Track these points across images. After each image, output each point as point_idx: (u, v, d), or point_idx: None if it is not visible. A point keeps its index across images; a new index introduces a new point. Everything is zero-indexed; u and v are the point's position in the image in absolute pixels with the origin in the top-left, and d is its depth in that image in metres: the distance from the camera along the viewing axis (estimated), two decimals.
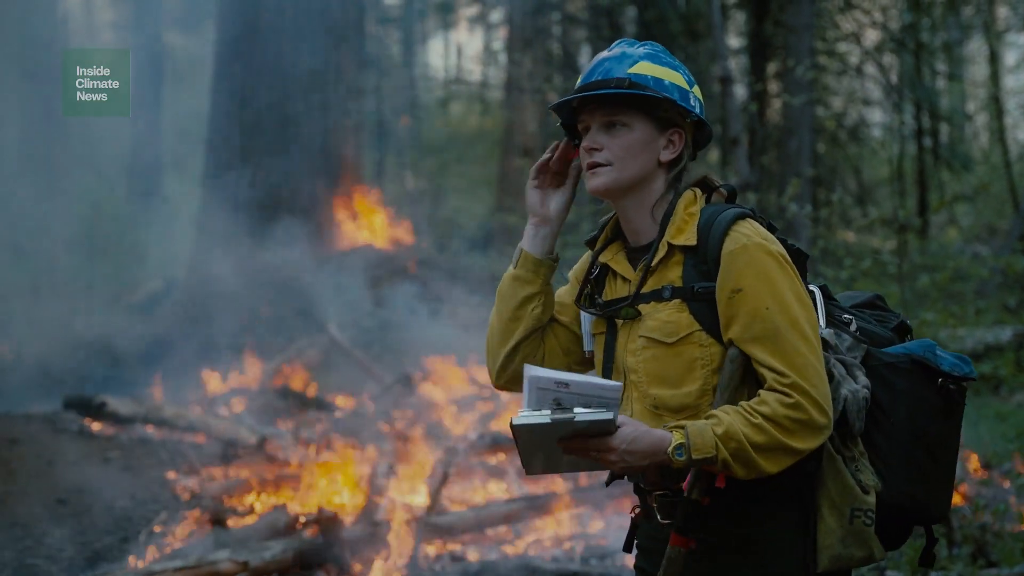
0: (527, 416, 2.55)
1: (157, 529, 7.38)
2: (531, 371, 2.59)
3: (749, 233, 2.71)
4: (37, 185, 12.93)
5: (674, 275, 2.76)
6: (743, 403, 2.62)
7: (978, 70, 26.74)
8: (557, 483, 8.30)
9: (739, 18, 19.93)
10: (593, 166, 2.79)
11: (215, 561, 6.43)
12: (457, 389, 10.11)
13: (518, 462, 8.55)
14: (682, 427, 2.60)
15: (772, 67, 17.14)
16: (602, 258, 2.91)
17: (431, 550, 7.16)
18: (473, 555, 7.17)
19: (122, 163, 18.39)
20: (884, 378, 2.76)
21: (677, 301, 2.74)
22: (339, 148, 13.92)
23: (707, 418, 2.62)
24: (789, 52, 13.48)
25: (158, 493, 7.98)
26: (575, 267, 3.03)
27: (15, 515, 7.45)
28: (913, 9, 17.00)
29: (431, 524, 7.31)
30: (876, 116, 22.38)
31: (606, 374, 2.85)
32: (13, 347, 11.45)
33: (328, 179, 13.68)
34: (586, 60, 24.27)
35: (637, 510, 2.86)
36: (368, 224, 14.18)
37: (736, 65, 17.92)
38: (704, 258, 2.73)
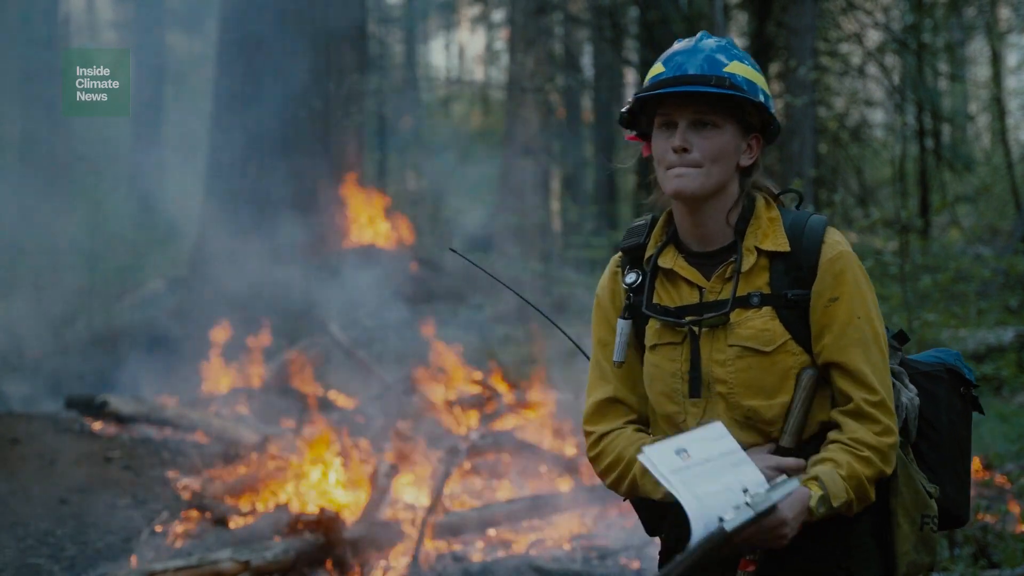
0: (703, 507, 2.27)
1: (159, 529, 7.38)
2: (652, 457, 2.36)
3: (840, 241, 2.66)
4: (38, 184, 12.94)
5: (760, 282, 2.65)
6: (839, 437, 2.57)
7: (980, 71, 26.73)
8: (559, 483, 8.30)
9: (741, 19, 19.91)
10: (679, 166, 2.62)
11: (216, 561, 6.42)
12: (459, 388, 10.10)
13: (519, 462, 8.58)
14: (815, 478, 2.49)
15: (774, 68, 17.13)
16: (664, 262, 2.73)
17: (433, 550, 7.16)
18: (475, 555, 7.17)
19: (124, 162, 18.39)
20: (924, 387, 2.77)
21: (768, 309, 2.62)
22: (341, 148, 13.92)
23: (820, 463, 2.54)
24: (791, 53, 13.46)
25: (160, 492, 7.98)
26: (603, 283, 2.86)
27: (17, 514, 7.45)
28: (915, 10, 16.97)
29: (433, 524, 7.31)
30: (878, 117, 22.37)
31: (693, 386, 2.67)
32: (15, 346, 11.46)
33: (330, 179, 13.68)
34: (588, 60, 24.28)
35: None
36: (370, 224, 14.18)
37: None
38: (797, 265, 2.64)
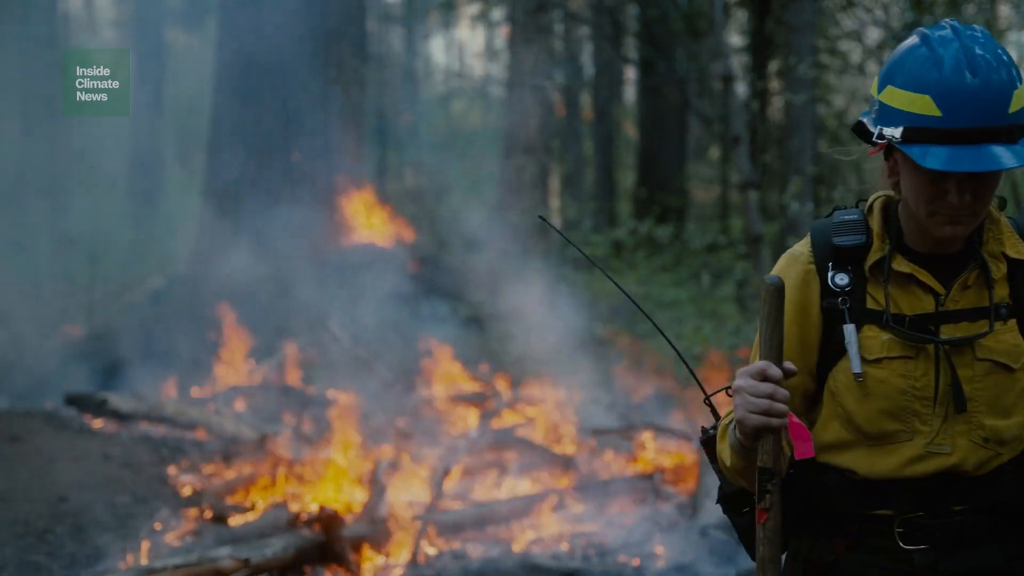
0: None
1: (158, 526, 7.38)
2: None
3: None
4: (38, 182, 12.92)
5: (1003, 291, 2.43)
6: None
7: None
8: (558, 481, 8.31)
9: (741, 16, 19.91)
10: (958, 214, 2.33)
11: (216, 558, 6.42)
12: (458, 386, 10.10)
13: (518, 460, 8.57)
14: None
15: (774, 65, 17.13)
16: (899, 266, 2.43)
17: (432, 547, 7.16)
18: (474, 552, 7.17)
19: (123, 159, 18.38)
20: None
21: (1012, 322, 2.42)
22: (341, 145, 13.90)
23: None
24: (791, 50, 13.45)
25: (159, 490, 7.98)
26: (789, 279, 2.48)
27: (16, 512, 7.45)
28: (915, 7, 16.96)
29: (432, 521, 7.31)
30: None
31: (958, 406, 2.40)
32: (14, 343, 11.45)
33: (329, 176, 13.66)
34: (588, 58, 24.26)
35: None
36: (369, 221, 14.16)
37: (738, 63, 17.90)
38: None
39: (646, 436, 9.20)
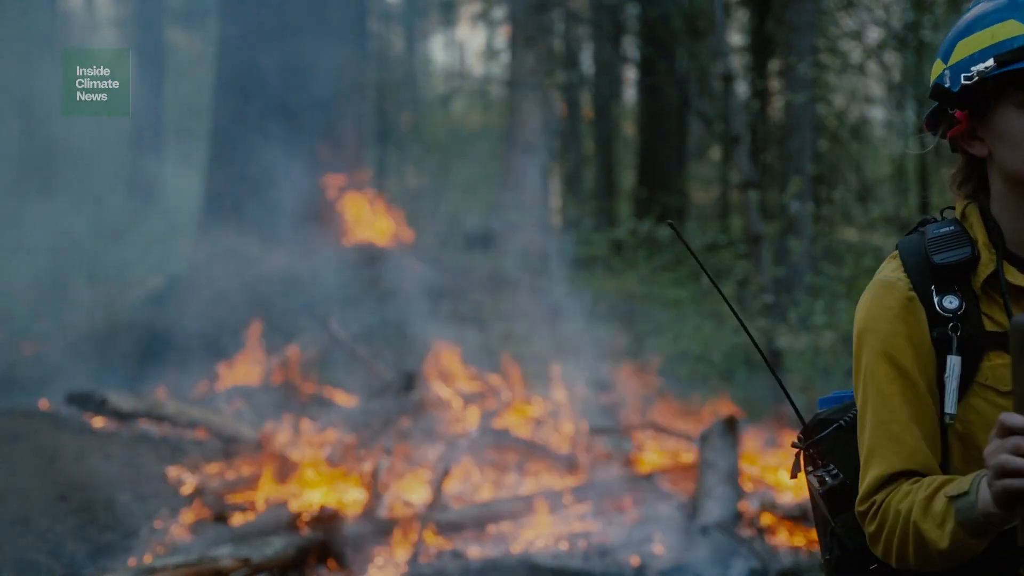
0: None
1: (158, 525, 7.38)
2: None
3: None
4: (39, 180, 12.93)
5: None
6: None
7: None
8: (558, 480, 8.31)
9: (741, 16, 19.92)
10: None
11: (216, 557, 6.42)
12: (459, 385, 10.11)
13: (518, 460, 8.58)
14: None
15: (774, 65, 17.13)
16: (1014, 279, 2.09)
17: (432, 547, 7.16)
18: (475, 552, 7.18)
19: (124, 158, 18.39)
20: None
21: None
22: (341, 144, 13.91)
23: None
24: (791, 50, 13.46)
25: (159, 489, 7.98)
26: (886, 316, 2.14)
27: (16, 511, 7.45)
28: (915, 7, 16.96)
29: (433, 521, 7.32)
30: (878, 114, 22.38)
31: None
32: (15, 342, 11.46)
33: (330, 175, 13.68)
34: (588, 57, 24.26)
35: None
36: (370, 220, 14.17)
37: (738, 63, 17.92)
38: None
39: (646, 436, 9.20)
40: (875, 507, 2.08)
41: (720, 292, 2.39)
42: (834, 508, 2.22)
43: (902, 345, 2.10)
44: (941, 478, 2.03)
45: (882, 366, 2.12)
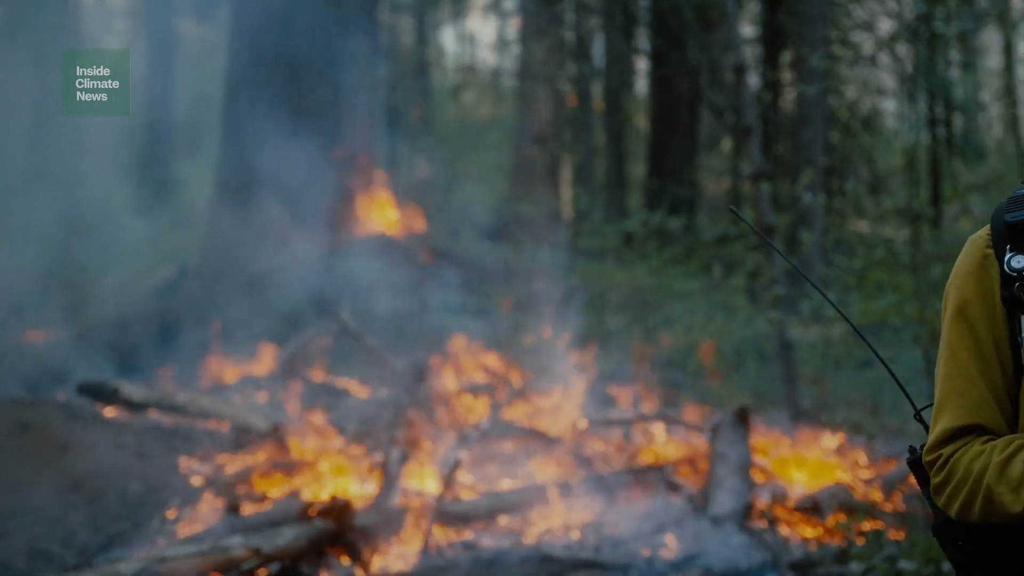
0: None
1: (170, 515, 7.40)
2: None
3: None
4: (49, 172, 12.95)
5: None
6: None
7: (992, 60, 26.64)
8: (569, 471, 8.31)
9: (753, 7, 19.87)
10: None
11: (228, 547, 6.44)
12: (470, 376, 10.11)
13: (529, 450, 8.58)
14: None
15: (786, 56, 17.10)
16: None
17: (443, 538, 7.17)
18: (486, 543, 7.18)
19: (135, 149, 18.40)
20: None
21: None
22: (352, 136, 13.92)
23: None
24: (803, 41, 13.44)
25: (171, 479, 8.00)
26: (967, 272, 2.17)
27: (28, 500, 7.48)
28: None
29: (444, 512, 7.33)
30: (890, 106, 22.33)
31: None
32: (26, 333, 11.48)
33: (341, 167, 13.68)
34: (599, 49, 24.23)
35: None
36: (381, 212, 14.18)
37: (750, 54, 17.87)
38: None
39: (657, 427, 9.20)
40: (942, 459, 2.11)
41: (797, 269, 2.41)
42: (921, 479, 2.24)
43: (974, 301, 2.12)
44: (1018, 441, 2.04)
45: (956, 322, 2.15)
